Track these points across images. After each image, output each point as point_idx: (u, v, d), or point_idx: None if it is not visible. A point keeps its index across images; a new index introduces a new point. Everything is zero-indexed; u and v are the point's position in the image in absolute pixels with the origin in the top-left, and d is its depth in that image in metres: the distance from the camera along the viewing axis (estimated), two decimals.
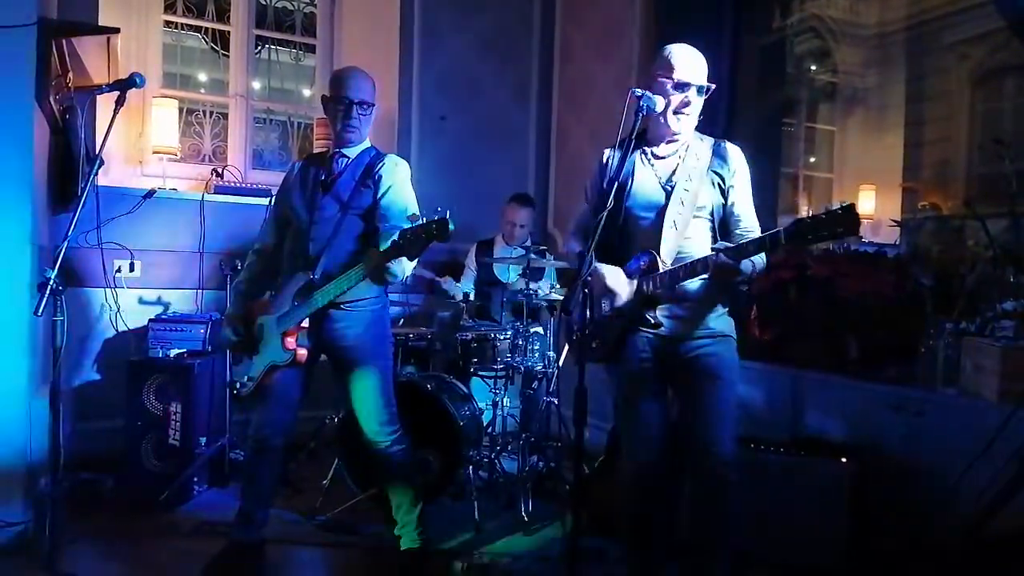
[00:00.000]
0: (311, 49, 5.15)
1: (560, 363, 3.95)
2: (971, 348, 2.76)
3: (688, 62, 2.36)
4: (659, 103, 2.34)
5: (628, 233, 2.39)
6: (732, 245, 2.16)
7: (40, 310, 2.12)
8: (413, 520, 2.86)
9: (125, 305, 4.05)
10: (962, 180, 4.12)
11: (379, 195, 2.65)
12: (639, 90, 2.31)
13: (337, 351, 2.68)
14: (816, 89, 5.19)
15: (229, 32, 4.84)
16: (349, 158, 2.72)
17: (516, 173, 5.13)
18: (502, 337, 3.70)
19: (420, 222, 2.30)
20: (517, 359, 3.67)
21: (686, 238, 2.34)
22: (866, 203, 4.80)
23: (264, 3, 5.01)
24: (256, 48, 4.97)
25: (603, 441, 3.44)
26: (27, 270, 2.92)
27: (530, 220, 4.35)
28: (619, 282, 2.33)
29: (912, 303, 3.06)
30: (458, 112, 4.98)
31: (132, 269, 4.08)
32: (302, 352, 2.61)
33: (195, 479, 3.58)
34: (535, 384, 3.89)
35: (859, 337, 3.19)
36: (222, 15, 4.85)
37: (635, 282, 2.32)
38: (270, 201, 3.76)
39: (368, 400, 2.68)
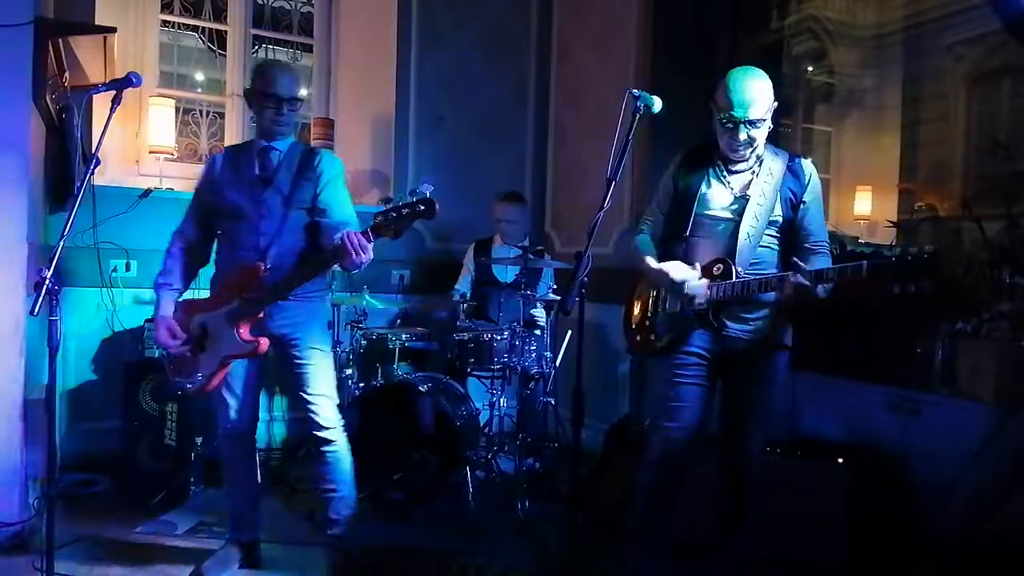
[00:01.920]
0: (308, 49, 5.14)
1: (556, 364, 3.95)
2: (967, 349, 2.77)
3: (740, 97, 2.29)
4: (656, 103, 2.35)
5: (698, 241, 2.43)
6: (810, 269, 2.18)
7: (36, 310, 2.11)
8: (352, 518, 2.84)
9: (121, 305, 4.04)
10: (959, 181, 4.13)
11: (319, 189, 2.67)
12: (636, 90, 2.32)
13: (285, 341, 2.66)
14: (813, 90, 5.20)
15: (226, 31, 4.83)
16: (281, 151, 2.71)
17: (514, 172, 5.13)
18: (499, 338, 3.69)
19: (409, 199, 2.34)
20: (514, 360, 3.67)
21: (759, 249, 2.38)
22: (862, 204, 4.81)
23: (261, 2, 5.00)
24: (253, 48, 4.96)
25: (600, 442, 3.45)
26: (23, 270, 2.91)
27: (520, 216, 4.32)
28: (692, 278, 2.37)
29: (908, 304, 3.06)
30: (456, 111, 4.98)
31: (128, 269, 4.07)
32: (264, 341, 2.57)
33: (191, 479, 3.57)
34: (532, 385, 3.89)
35: (856, 338, 3.19)
36: (219, 14, 4.84)
37: (707, 281, 2.37)
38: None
39: (320, 389, 2.68)
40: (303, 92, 2.74)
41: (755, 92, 2.30)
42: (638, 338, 2.56)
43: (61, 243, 2.19)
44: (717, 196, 2.44)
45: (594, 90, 4.74)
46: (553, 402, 3.97)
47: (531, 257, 3.73)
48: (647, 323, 2.52)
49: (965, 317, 2.86)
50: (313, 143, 4.73)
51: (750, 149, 2.38)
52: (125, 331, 4.02)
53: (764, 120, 2.34)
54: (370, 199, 4.89)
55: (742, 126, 2.31)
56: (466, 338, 3.71)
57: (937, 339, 2.87)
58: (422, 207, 2.31)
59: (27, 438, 2.96)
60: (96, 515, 3.26)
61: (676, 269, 2.39)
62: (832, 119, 5.27)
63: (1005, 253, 2.90)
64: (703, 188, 2.45)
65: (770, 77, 2.37)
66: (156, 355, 3.65)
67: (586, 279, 2.26)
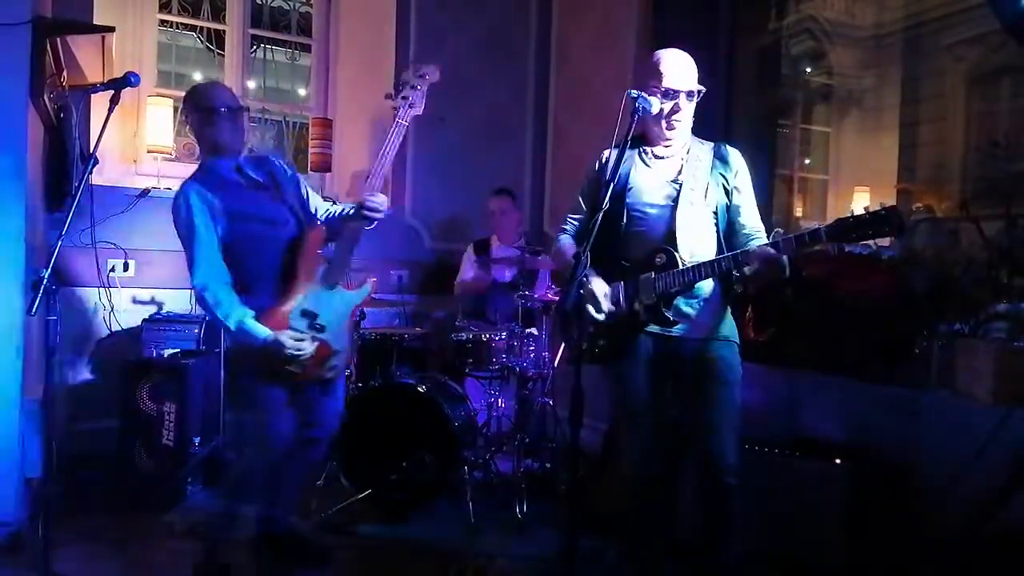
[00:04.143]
0: (307, 49, 5.14)
1: (555, 363, 3.95)
2: (965, 349, 2.77)
3: (675, 68, 2.37)
4: (655, 105, 2.35)
5: (633, 233, 2.40)
6: (768, 242, 2.19)
7: (34, 310, 2.11)
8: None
9: (119, 305, 4.03)
10: (957, 182, 4.13)
11: (305, 194, 2.85)
12: (635, 92, 2.31)
13: None
14: (811, 91, 5.20)
15: (224, 31, 4.83)
16: (245, 162, 2.72)
17: (513, 172, 5.13)
18: (497, 338, 3.69)
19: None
20: (512, 360, 3.67)
21: (697, 236, 2.36)
22: (861, 205, 4.81)
23: (260, 2, 5.00)
24: (251, 47, 4.96)
25: (598, 441, 3.44)
26: (21, 269, 2.91)
27: (511, 209, 4.33)
28: (603, 294, 2.34)
29: (907, 305, 3.06)
30: (455, 112, 4.97)
31: (126, 268, 4.06)
32: (371, 278, 2.80)
33: (189, 479, 3.57)
34: (530, 385, 3.89)
35: (854, 338, 3.19)
36: (217, 14, 4.84)
37: (617, 295, 2.35)
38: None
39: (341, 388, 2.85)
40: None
41: (689, 65, 2.41)
42: (582, 347, 2.42)
43: (59, 243, 2.19)
44: (649, 185, 2.41)
45: (593, 90, 4.74)
46: (551, 402, 3.97)
47: (528, 257, 3.73)
48: (589, 330, 2.42)
49: (964, 317, 2.86)
50: (311, 143, 4.74)
51: (681, 125, 2.40)
52: (123, 331, 4.02)
53: (697, 92, 2.38)
54: None
55: (684, 96, 2.37)
56: (464, 339, 3.70)
57: (936, 339, 2.87)
58: None
59: (25, 438, 2.95)
60: (93, 515, 3.26)
61: (599, 285, 2.34)
62: (830, 120, 5.28)
63: (1003, 254, 2.90)
64: (633, 178, 2.41)
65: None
66: (155, 355, 3.65)
67: (585, 279, 2.25)
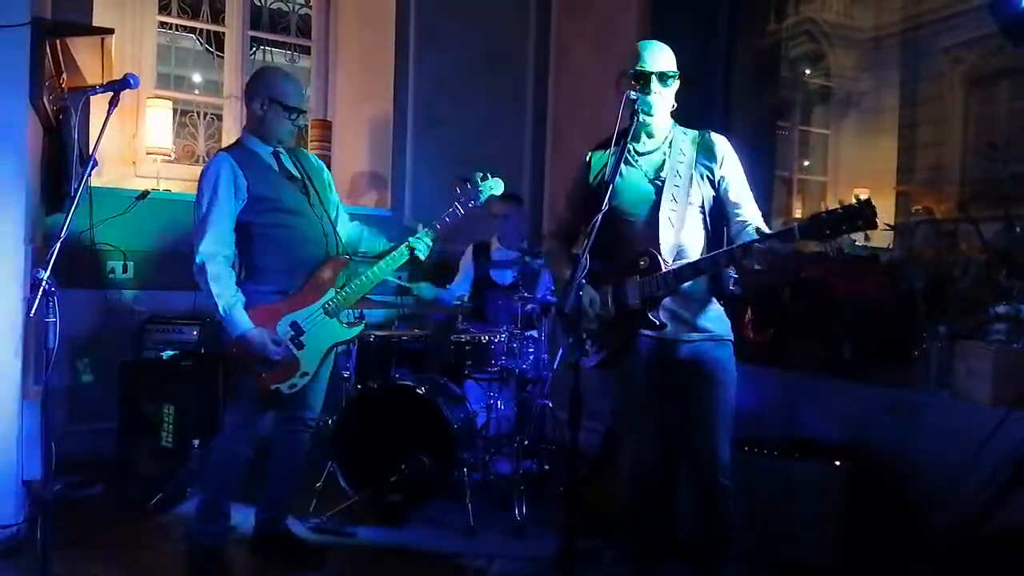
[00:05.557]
0: (306, 51, 5.14)
1: (555, 366, 3.95)
2: (964, 351, 2.77)
3: (646, 52, 2.35)
4: (653, 106, 2.34)
5: (620, 233, 2.37)
6: (746, 241, 2.15)
7: (33, 311, 2.11)
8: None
9: (118, 306, 4.03)
10: (956, 183, 4.14)
11: (334, 193, 2.96)
12: (633, 94, 2.30)
13: None
14: (810, 92, 5.21)
15: (224, 33, 4.83)
16: (285, 153, 2.81)
17: (512, 174, 5.09)
18: (496, 340, 3.69)
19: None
20: (512, 362, 3.66)
21: (683, 234, 2.33)
22: None
23: (259, 4, 5.00)
24: (251, 49, 4.96)
25: (597, 443, 3.44)
26: (20, 271, 2.91)
27: (516, 215, 4.33)
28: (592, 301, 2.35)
29: (906, 306, 3.07)
30: (453, 113, 4.97)
31: (125, 270, 4.07)
32: (361, 322, 2.87)
33: (188, 481, 3.56)
34: (529, 387, 3.89)
35: (853, 340, 3.20)
36: (217, 16, 4.85)
37: (606, 300, 2.35)
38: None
39: (326, 378, 2.90)
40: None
41: (662, 51, 2.38)
42: (583, 349, 2.40)
43: (58, 244, 2.18)
44: (631, 185, 2.37)
45: (592, 91, 4.74)
46: (550, 404, 3.96)
47: (527, 260, 3.73)
48: (582, 335, 2.38)
49: (962, 319, 2.86)
50: (311, 145, 4.74)
51: (657, 110, 2.35)
52: (122, 332, 4.02)
53: (668, 75, 2.35)
54: (367, 201, 4.89)
55: (655, 78, 2.32)
56: (463, 340, 3.70)
57: (935, 341, 2.87)
58: None
59: (24, 439, 2.95)
60: (92, 518, 3.25)
61: (588, 293, 2.32)
62: (829, 122, 5.28)
63: (1002, 255, 2.91)
64: (616, 177, 2.33)
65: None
66: (154, 356, 3.64)
67: (584, 281, 2.25)
